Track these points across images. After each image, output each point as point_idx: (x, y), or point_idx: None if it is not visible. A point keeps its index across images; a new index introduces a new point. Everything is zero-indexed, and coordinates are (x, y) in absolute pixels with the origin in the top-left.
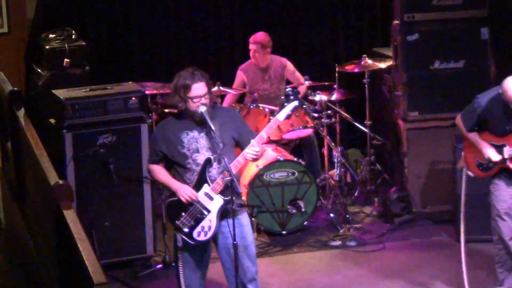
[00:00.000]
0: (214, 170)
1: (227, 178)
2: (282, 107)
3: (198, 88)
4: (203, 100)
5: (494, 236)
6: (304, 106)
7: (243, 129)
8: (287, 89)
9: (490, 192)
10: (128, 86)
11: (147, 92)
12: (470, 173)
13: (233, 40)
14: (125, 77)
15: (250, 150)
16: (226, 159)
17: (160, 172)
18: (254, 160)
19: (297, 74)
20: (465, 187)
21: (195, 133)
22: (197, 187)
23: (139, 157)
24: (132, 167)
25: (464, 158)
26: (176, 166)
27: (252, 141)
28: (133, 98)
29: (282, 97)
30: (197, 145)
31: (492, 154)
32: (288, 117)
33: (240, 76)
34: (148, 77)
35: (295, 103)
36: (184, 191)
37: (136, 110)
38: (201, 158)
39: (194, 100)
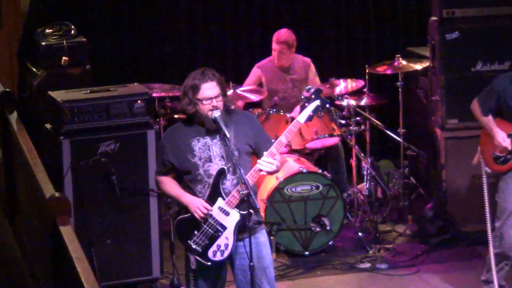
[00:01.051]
0: (228, 182)
1: (244, 192)
2: (302, 107)
3: (209, 88)
4: (215, 103)
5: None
6: (327, 106)
7: (261, 137)
8: (307, 87)
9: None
10: (134, 87)
11: (154, 94)
12: (488, 169)
13: (252, 38)
14: (130, 78)
15: (263, 161)
16: (242, 170)
17: (169, 184)
18: (270, 173)
19: (317, 80)
20: (488, 188)
21: (207, 140)
22: (210, 201)
23: (145, 167)
24: (137, 179)
25: (481, 152)
26: (186, 177)
27: (271, 148)
28: (139, 101)
29: (302, 96)
30: (209, 153)
31: (502, 138)
32: (309, 118)
33: (257, 73)
34: (156, 78)
35: (317, 102)
36: (198, 206)
37: (142, 115)
38: (213, 168)
39: (204, 102)
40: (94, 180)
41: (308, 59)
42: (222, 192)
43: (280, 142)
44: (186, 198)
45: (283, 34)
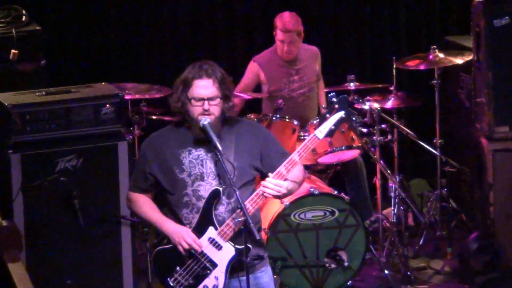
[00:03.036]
0: (222, 208)
1: (240, 219)
2: (323, 119)
3: (202, 87)
4: (206, 106)
5: None
6: (354, 118)
7: (272, 150)
8: (330, 94)
9: None
10: (101, 88)
11: (127, 96)
12: None
13: (250, 27)
14: (97, 76)
15: (268, 182)
16: (237, 192)
17: (147, 206)
18: (277, 197)
19: (321, 82)
20: None
21: (201, 152)
22: (199, 230)
23: (116, 188)
24: (105, 203)
25: None
26: (169, 197)
27: (280, 168)
28: (108, 106)
29: (323, 105)
30: (202, 170)
31: None
32: (330, 133)
33: (255, 69)
34: (129, 76)
35: (341, 114)
36: (182, 236)
37: (112, 123)
38: (205, 188)
39: (194, 102)
40: (51, 205)
41: (315, 48)
42: (215, 220)
43: (291, 161)
44: (169, 226)
45: (290, 20)
